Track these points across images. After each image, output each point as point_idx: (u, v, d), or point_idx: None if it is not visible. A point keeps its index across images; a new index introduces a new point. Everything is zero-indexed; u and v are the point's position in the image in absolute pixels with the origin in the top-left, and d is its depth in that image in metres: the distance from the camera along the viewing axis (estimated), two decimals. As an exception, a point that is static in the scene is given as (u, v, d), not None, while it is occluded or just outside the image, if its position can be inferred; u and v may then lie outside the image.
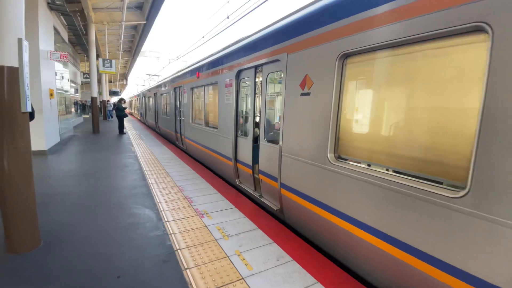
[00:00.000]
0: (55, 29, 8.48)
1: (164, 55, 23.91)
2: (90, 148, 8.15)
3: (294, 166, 2.92)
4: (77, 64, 17.16)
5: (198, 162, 6.75)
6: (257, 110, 3.83)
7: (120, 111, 11.64)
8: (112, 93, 33.55)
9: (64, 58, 7.40)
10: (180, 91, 8.36)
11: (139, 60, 24.37)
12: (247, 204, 3.81)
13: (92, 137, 10.71)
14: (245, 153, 4.15)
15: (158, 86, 12.50)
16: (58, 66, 9.20)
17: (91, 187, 4.37)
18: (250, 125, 4.00)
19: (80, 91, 21.45)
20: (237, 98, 4.39)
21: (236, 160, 4.53)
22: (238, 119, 4.43)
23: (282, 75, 3.20)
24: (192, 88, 7.00)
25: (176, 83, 8.71)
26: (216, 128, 5.30)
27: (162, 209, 3.49)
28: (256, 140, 3.95)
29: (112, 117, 20.75)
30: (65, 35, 10.30)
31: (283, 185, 3.14)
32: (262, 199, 3.81)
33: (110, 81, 34.22)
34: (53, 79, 7.90)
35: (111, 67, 11.91)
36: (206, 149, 5.89)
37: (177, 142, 9.15)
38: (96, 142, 9.56)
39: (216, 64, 5.27)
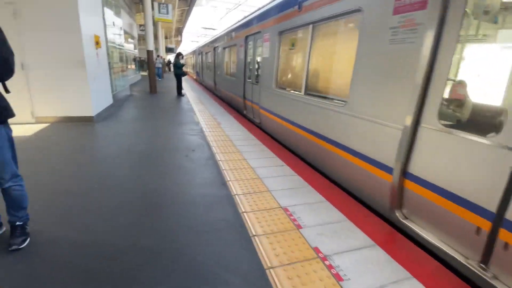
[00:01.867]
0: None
1: (222, 4, 21.10)
2: (146, 114, 6.66)
3: None
4: (132, 14, 15.79)
5: (278, 142, 4.62)
6: None
7: (178, 69, 9.94)
8: (168, 50, 32.89)
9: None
10: (256, 41, 5.99)
11: (195, 11, 22.07)
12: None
13: (149, 98, 9.39)
14: (463, 172, 1.78)
15: (219, 38, 10.25)
16: (109, 14, 7.55)
17: (139, 197, 2.62)
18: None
19: (138, 47, 20.70)
20: (440, 35, 1.89)
21: (404, 174, 2.21)
22: (437, 86, 1.97)
23: None
24: (281, 33, 4.56)
25: (251, 29, 6.30)
26: (344, 102, 2.93)
27: (288, 304, 1.49)
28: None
29: (161, 76, 19.48)
30: (115, -30, 8.45)
31: None
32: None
33: (165, 37, 33.34)
34: (100, 25, 6.23)
35: (167, 13, 9.99)
36: (309, 134, 3.62)
37: (245, 112, 7.12)
38: (153, 105, 8.14)
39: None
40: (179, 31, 34.69)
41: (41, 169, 3.09)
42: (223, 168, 3.31)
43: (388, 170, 2.33)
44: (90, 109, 5.17)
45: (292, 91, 4.23)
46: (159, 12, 9.87)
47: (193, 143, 4.38)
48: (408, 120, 2.12)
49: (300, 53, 4.11)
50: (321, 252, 1.90)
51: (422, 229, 2.14)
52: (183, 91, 10.80)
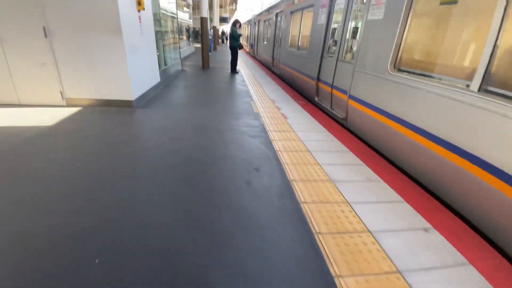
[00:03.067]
0: None
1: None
2: (196, 98, 5.43)
3: None
4: (188, -22, 14.48)
5: (386, 159, 2.87)
6: None
7: (234, 40, 8.41)
8: (222, 20, 31.48)
9: None
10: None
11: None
12: None
13: (201, 76, 8.22)
14: None
15: (284, 1, 8.24)
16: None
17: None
18: None
19: (193, 17, 19.67)
20: None
21: None
22: None
23: None
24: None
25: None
26: None
27: None
28: None
29: (213, 49, 18.04)
30: None
31: None
32: None
33: (220, 6, 31.75)
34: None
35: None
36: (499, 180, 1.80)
37: (317, 99, 5.36)
38: (205, 84, 6.90)
39: None
40: (234, -1, 32.62)
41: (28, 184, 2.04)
42: (315, 230, 1.80)
43: None
44: (129, 91, 4.09)
45: (438, 81, 2.37)
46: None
47: (255, 153, 2.94)
48: None
49: (473, 10, 2.16)
50: None
51: None
52: (237, 68, 9.36)
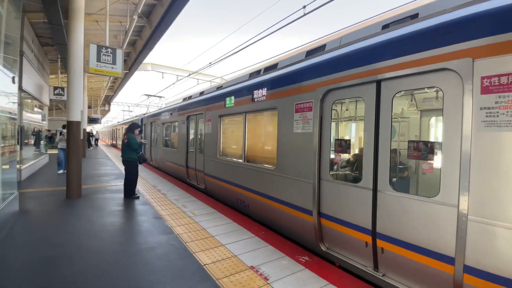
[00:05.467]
0: None
1: (170, 71, 18.02)
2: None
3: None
4: (45, 74, 10.89)
5: None
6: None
7: (132, 151, 5.44)
8: (91, 121, 26.72)
9: None
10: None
11: (136, 75, 18.13)
12: None
13: (64, 226, 4.27)
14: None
15: (214, 100, 6.10)
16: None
17: None
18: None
19: (49, 118, 14.75)
20: None
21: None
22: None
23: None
24: None
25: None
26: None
27: None
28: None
29: (62, 165, 8.60)
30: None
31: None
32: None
33: (89, 107, 27.40)
34: None
35: (113, 63, 5.93)
36: None
37: (326, 248, 3.16)
38: (77, 266, 3.20)
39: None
40: (107, 100, 29.40)
41: None
42: None
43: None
44: None
45: None
46: (99, 60, 5.74)
47: None
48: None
49: None
50: None
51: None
52: (136, 191, 6.05)
